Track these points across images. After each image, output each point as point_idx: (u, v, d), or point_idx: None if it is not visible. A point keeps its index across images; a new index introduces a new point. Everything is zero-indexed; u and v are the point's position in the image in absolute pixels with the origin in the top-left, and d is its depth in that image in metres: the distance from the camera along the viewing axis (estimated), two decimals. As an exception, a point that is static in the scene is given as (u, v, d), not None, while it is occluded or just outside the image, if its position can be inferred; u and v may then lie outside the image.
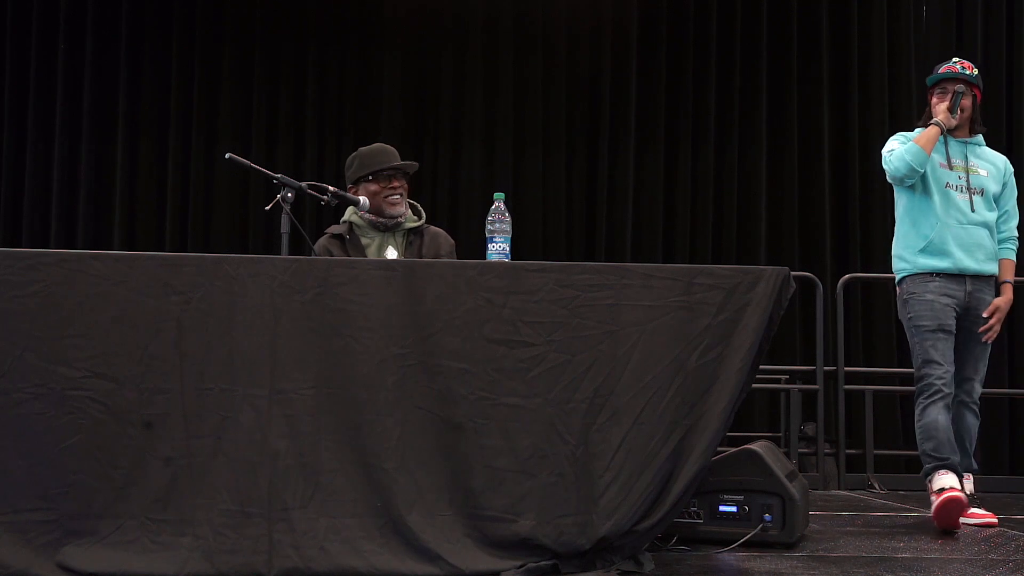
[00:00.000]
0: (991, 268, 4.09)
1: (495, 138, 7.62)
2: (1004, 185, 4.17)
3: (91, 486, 2.71)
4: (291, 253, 3.25)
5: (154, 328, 2.77)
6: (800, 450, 6.03)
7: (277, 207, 3.38)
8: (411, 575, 2.70)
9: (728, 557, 3.15)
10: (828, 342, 6.26)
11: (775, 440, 6.05)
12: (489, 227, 3.23)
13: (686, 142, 7.69)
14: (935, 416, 3.92)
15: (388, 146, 3.97)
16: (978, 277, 4.06)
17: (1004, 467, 7.35)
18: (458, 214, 7.44)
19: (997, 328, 4.04)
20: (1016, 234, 4.19)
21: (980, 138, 4.20)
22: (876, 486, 5.55)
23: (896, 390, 6.75)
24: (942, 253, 4.04)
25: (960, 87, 4.06)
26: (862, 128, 7.63)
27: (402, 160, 3.93)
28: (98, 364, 2.74)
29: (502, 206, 3.26)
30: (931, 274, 4.05)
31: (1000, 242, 4.15)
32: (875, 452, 5.93)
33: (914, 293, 4.07)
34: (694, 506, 3.28)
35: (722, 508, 3.30)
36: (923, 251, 4.07)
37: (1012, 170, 4.24)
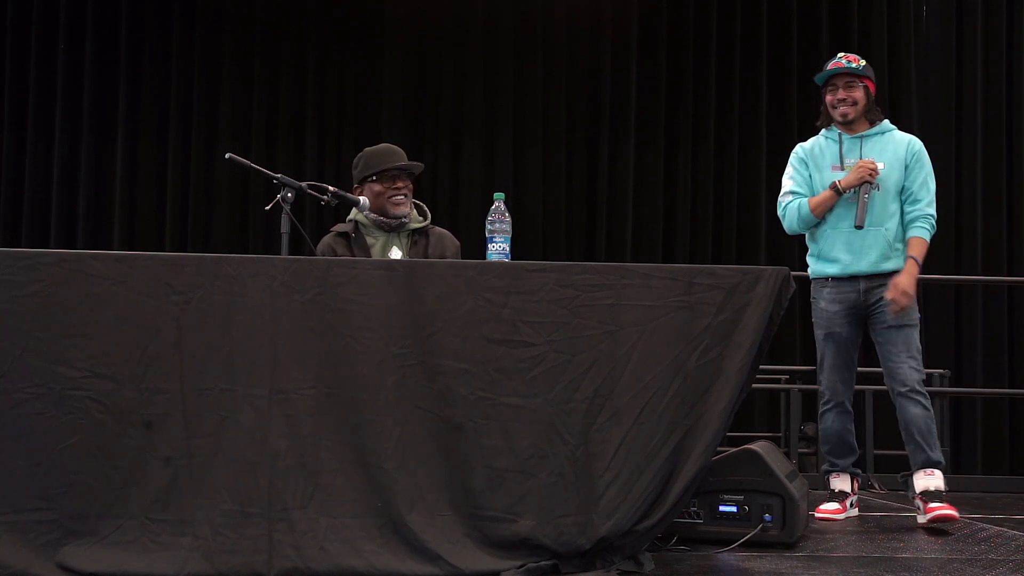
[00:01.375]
0: (889, 266, 3.97)
1: (495, 138, 7.63)
2: (906, 167, 4.03)
3: (91, 486, 2.70)
4: (291, 253, 3.24)
5: (154, 328, 2.77)
6: (800, 450, 6.04)
7: (277, 207, 3.38)
8: (411, 575, 2.70)
9: (728, 557, 3.15)
10: (828, 342, 6.25)
11: (775, 440, 6.05)
12: (489, 227, 3.23)
13: (686, 142, 7.69)
14: (829, 422, 4.12)
15: (395, 147, 3.97)
16: (873, 276, 3.98)
17: (1004, 467, 7.35)
18: (458, 214, 7.44)
19: (901, 301, 3.87)
20: (928, 212, 4.01)
21: (884, 125, 4.11)
22: (876, 486, 5.55)
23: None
24: (831, 259, 4.04)
25: (868, 190, 3.93)
26: (862, 128, 7.62)
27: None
28: (98, 364, 2.73)
29: (502, 206, 3.25)
30: (825, 279, 4.08)
31: (908, 223, 4.01)
32: (875, 452, 5.93)
33: (813, 299, 4.13)
34: (694, 506, 3.28)
35: (722, 508, 3.30)
36: (817, 257, 4.11)
37: (918, 149, 4.07)
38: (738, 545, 3.20)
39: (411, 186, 3.89)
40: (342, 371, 2.81)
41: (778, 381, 6.82)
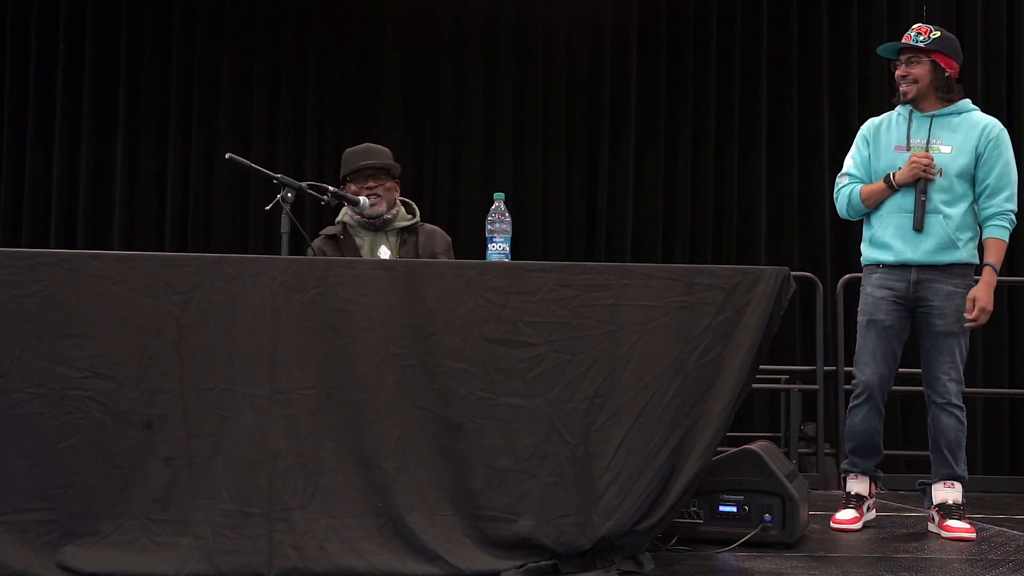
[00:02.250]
0: (945, 257, 3.69)
1: (495, 138, 7.62)
2: (980, 156, 3.72)
3: (91, 486, 2.71)
4: (291, 253, 3.25)
5: (154, 328, 2.77)
6: (800, 450, 6.03)
7: (277, 207, 3.38)
8: (411, 575, 2.70)
9: (728, 557, 3.15)
10: (828, 342, 6.26)
11: (775, 440, 6.05)
12: (489, 227, 3.23)
13: (686, 142, 7.69)
14: (858, 419, 3.84)
15: (373, 146, 3.94)
16: (927, 267, 3.71)
17: (1004, 467, 7.35)
18: (458, 214, 7.43)
19: (981, 320, 3.64)
20: (1007, 208, 3.71)
21: (961, 104, 3.81)
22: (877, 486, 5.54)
23: (896, 390, 6.71)
24: (883, 245, 3.79)
25: (925, 188, 3.69)
26: (862, 128, 7.63)
27: (394, 160, 3.92)
28: (98, 364, 2.74)
29: (502, 206, 3.25)
30: (875, 265, 3.84)
31: (983, 220, 3.74)
32: (875, 451, 5.92)
33: (862, 286, 3.90)
34: (694, 506, 3.28)
35: (722, 508, 3.30)
36: (870, 243, 3.87)
37: (996, 135, 3.75)
38: (738, 545, 3.20)
39: (389, 184, 3.84)
40: (342, 371, 2.81)
41: (778, 381, 6.81)
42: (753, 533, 3.25)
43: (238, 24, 7.58)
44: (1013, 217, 3.75)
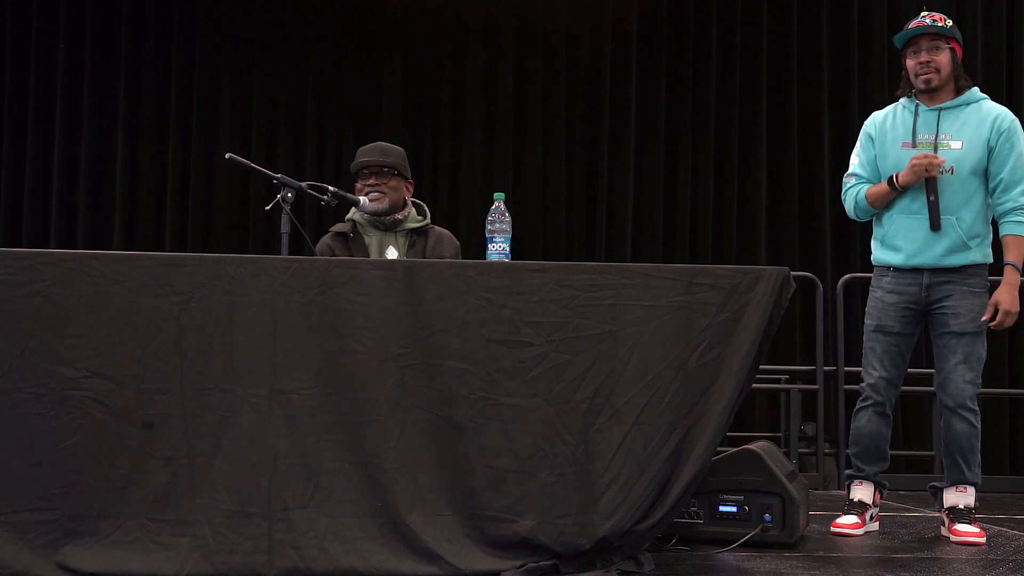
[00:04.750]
0: (957, 259, 3.58)
1: (495, 138, 7.62)
2: (992, 150, 3.58)
3: (91, 486, 2.71)
4: (291, 253, 3.24)
5: (154, 328, 2.77)
6: (800, 450, 6.03)
7: (277, 207, 3.38)
8: (411, 575, 2.70)
9: (728, 557, 3.15)
10: (828, 342, 6.26)
11: (775, 440, 6.05)
12: (489, 227, 3.23)
13: (686, 142, 7.69)
14: (863, 423, 3.74)
15: (383, 144, 3.94)
16: (939, 270, 3.60)
17: (1004, 467, 7.35)
18: (458, 214, 7.44)
19: (1006, 323, 3.52)
20: (1023, 202, 3.55)
21: (971, 94, 3.67)
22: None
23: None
24: (893, 247, 3.68)
25: (935, 188, 3.55)
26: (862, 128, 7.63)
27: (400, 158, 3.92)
28: (98, 364, 2.73)
29: (502, 206, 3.25)
30: (886, 267, 3.71)
31: (999, 216, 3.59)
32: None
33: (872, 287, 3.77)
34: (694, 506, 3.29)
35: (722, 508, 3.30)
36: (881, 243, 3.74)
37: (1008, 126, 3.60)
38: (738, 545, 3.21)
39: (394, 183, 3.83)
40: (342, 371, 2.81)
41: (778, 381, 6.81)
42: (753, 533, 3.25)
43: (238, 24, 7.58)
44: None
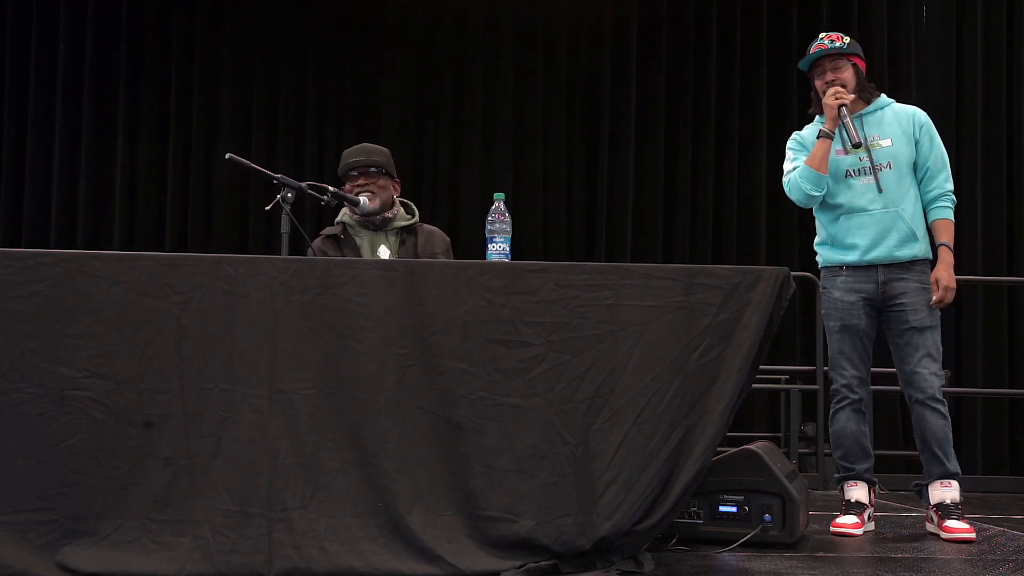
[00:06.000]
0: (908, 252, 3.72)
1: (495, 138, 7.63)
2: (918, 143, 3.79)
3: (91, 486, 2.70)
4: (291, 253, 3.25)
5: (154, 328, 2.77)
6: (800, 450, 6.04)
7: (277, 207, 3.38)
8: (411, 575, 2.70)
9: (728, 557, 3.15)
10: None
11: (775, 440, 6.05)
12: (489, 227, 3.23)
13: (686, 142, 7.70)
14: (843, 423, 3.80)
15: (367, 145, 3.95)
16: (893, 265, 3.73)
17: (1004, 467, 7.36)
18: (458, 214, 7.44)
19: (948, 298, 3.69)
20: (947, 188, 3.78)
21: (881, 100, 3.87)
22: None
23: (895, 390, 6.72)
24: (846, 246, 3.78)
25: (845, 114, 3.71)
26: (862, 128, 7.63)
27: (393, 160, 3.92)
28: (98, 364, 2.73)
29: (502, 206, 3.25)
30: (839, 267, 3.82)
31: (928, 203, 3.79)
32: (875, 452, 5.92)
33: (824, 288, 3.88)
34: (694, 506, 3.28)
35: (722, 508, 3.30)
36: (831, 245, 3.84)
37: (925, 121, 3.83)
38: (738, 545, 3.20)
39: (382, 182, 3.83)
40: (342, 371, 2.81)
41: (778, 381, 6.82)
42: (753, 533, 3.25)
43: (238, 24, 7.59)
44: (953, 196, 3.83)
